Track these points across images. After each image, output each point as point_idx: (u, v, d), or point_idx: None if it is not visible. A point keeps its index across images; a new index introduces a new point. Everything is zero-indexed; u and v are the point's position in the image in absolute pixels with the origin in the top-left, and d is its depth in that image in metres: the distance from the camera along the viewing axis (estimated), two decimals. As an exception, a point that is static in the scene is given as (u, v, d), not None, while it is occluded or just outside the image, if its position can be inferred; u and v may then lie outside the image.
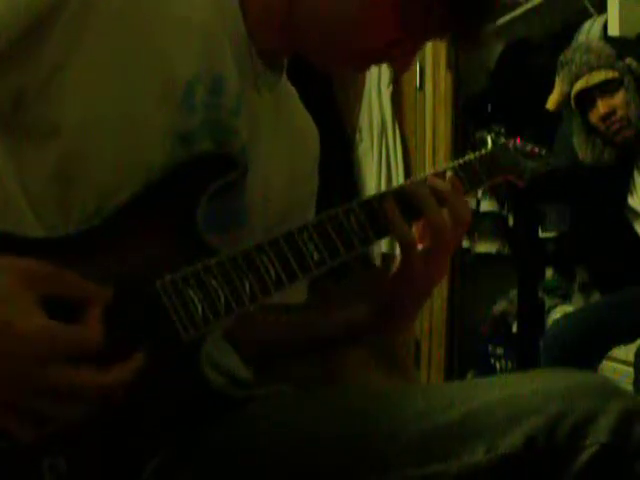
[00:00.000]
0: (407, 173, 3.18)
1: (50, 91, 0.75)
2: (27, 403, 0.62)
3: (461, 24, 0.83)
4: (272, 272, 0.76)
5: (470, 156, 0.96)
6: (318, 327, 0.96)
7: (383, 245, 3.03)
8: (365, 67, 0.90)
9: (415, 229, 0.87)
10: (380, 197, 0.85)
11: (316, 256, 0.79)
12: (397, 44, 0.84)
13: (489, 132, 1.00)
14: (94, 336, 0.65)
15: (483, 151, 0.98)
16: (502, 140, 1.01)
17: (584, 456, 0.69)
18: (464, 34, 0.86)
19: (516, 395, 0.74)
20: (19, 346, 0.61)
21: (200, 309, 0.71)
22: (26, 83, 0.75)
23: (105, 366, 0.64)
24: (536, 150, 1.07)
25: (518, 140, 1.04)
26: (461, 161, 0.94)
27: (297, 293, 0.99)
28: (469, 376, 3.29)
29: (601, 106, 2.08)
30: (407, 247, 0.85)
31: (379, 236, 0.85)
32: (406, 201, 0.86)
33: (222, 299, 0.73)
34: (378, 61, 0.88)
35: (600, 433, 0.69)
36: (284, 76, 0.95)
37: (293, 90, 0.99)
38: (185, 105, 0.79)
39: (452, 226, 0.85)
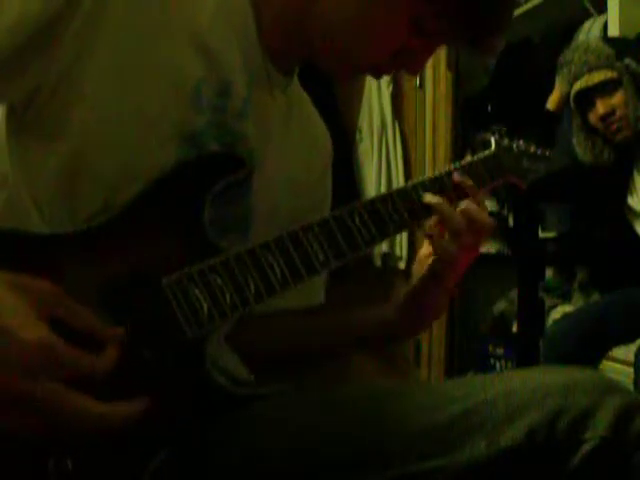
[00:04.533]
0: (407, 173, 3.18)
1: (61, 93, 0.76)
2: (8, 408, 0.61)
3: (471, 32, 0.84)
4: (277, 271, 0.77)
5: (474, 157, 0.96)
6: (348, 328, 0.96)
7: (384, 245, 3.04)
8: (376, 76, 0.90)
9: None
10: (384, 197, 0.87)
11: (321, 256, 0.80)
12: (407, 52, 0.85)
13: (492, 133, 1.00)
14: (100, 365, 0.64)
15: (487, 152, 0.98)
16: (505, 141, 1.02)
17: (584, 449, 0.70)
18: (473, 43, 0.86)
19: (516, 391, 0.75)
20: (15, 354, 0.60)
21: (205, 307, 0.72)
22: (39, 85, 0.76)
23: (104, 398, 0.63)
24: (539, 151, 1.07)
25: (521, 141, 1.04)
26: (465, 162, 0.94)
27: (315, 295, 0.99)
28: (469, 376, 3.28)
29: (600, 106, 2.08)
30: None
31: (383, 236, 0.86)
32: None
33: (227, 297, 0.73)
34: (389, 69, 0.88)
35: (599, 427, 0.70)
36: (295, 79, 0.96)
37: (305, 93, 1.00)
38: (194, 106, 0.80)
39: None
